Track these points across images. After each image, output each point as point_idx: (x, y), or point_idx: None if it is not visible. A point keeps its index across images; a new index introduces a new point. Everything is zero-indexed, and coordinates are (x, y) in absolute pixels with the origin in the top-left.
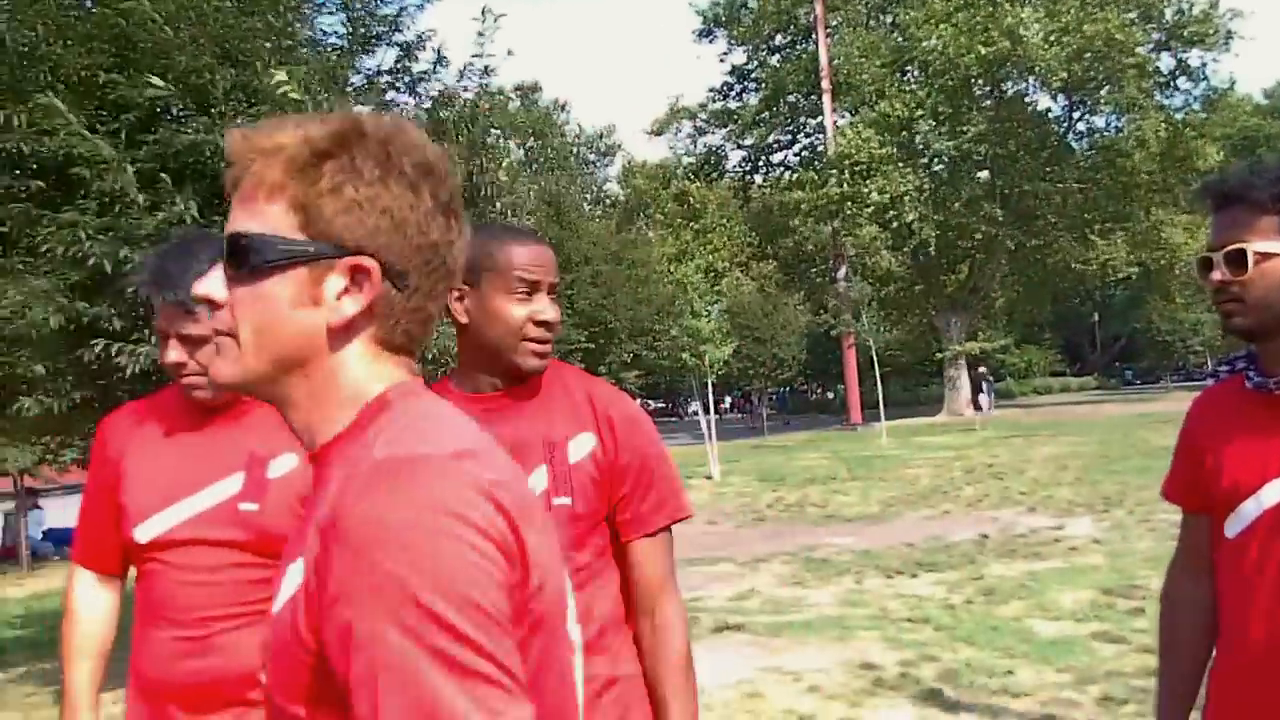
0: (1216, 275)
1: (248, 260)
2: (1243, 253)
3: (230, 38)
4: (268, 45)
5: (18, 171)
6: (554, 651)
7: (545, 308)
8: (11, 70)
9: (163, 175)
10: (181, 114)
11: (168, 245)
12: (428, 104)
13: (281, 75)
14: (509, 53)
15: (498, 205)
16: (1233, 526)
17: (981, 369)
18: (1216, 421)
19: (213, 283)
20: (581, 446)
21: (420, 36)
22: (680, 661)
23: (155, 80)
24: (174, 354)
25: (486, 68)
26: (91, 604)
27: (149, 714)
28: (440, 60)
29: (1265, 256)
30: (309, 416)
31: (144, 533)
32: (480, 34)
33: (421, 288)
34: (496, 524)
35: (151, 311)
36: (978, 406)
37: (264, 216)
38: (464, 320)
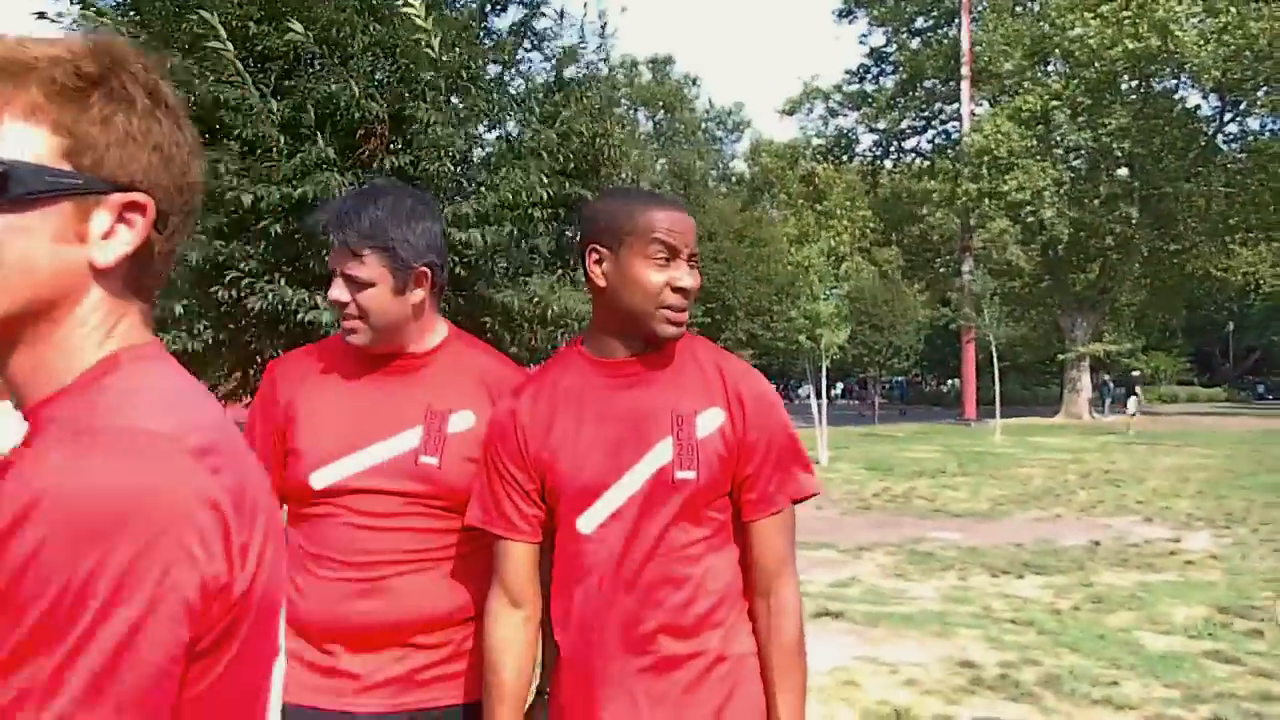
0: None
1: (6, 189)
2: None
3: None
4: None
5: None
6: (248, 658)
7: (684, 274)
8: (166, 19)
9: (302, 120)
10: (321, 66)
11: (354, 190)
12: (552, 62)
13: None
14: (622, 9)
15: (622, 172)
16: None
17: (1105, 376)
18: None
19: None
20: (710, 421)
21: None
22: (793, 645)
23: (295, 25)
24: (337, 291)
25: (604, 26)
26: None
27: (305, 651)
28: (561, 16)
29: None
30: (33, 365)
31: (320, 479)
32: None
33: (178, 231)
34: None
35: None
36: (1101, 410)
37: (19, 140)
38: (601, 284)
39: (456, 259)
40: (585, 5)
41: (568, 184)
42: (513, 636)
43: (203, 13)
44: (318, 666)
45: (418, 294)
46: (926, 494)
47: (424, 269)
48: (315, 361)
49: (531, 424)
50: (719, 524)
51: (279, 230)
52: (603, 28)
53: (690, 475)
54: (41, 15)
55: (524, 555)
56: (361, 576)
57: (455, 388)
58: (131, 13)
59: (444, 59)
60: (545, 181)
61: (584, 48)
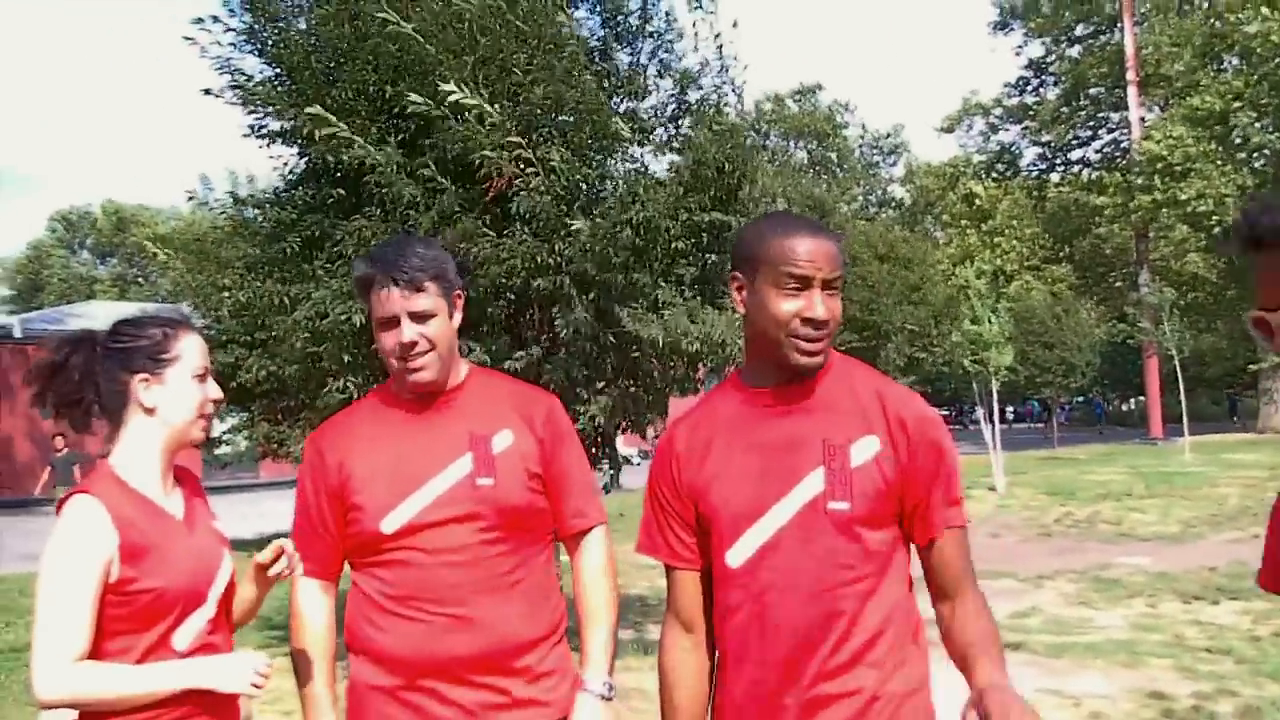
0: None
1: None
2: None
3: (485, 47)
4: (525, 49)
5: (322, 180)
6: None
7: (816, 304)
8: (316, 89)
9: (436, 176)
10: (450, 125)
11: (379, 245)
12: (674, 88)
13: (450, 86)
14: (734, 24)
15: (748, 198)
16: None
17: None
18: None
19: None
20: (866, 449)
21: (667, 21)
22: (990, 628)
23: (414, 96)
24: (408, 332)
25: (721, 48)
26: (317, 611)
27: (402, 691)
28: (678, 39)
29: None
30: None
31: (391, 523)
32: (698, 5)
33: None
34: None
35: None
36: None
37: None
38: (742, 311)
39: (596, 289)
40: (695, 26)
41: (706, 211)
42: (684, 660)
43: (311, 110)
44: (417, 706)
45: (457, 318)
46: (1111, 518)
47: (458, 292)
48: (355, 423)
49: (687, 452)
50: (880, 556)
51: None
52: (719, 49)
53: (844, 506)
54: (207, 92)
55: (689, 582)
56: (446, 612)
57: (490, 412)
58: (286, 83)
59: (568, 94)
60: (678, 209)
61: (705, 69)
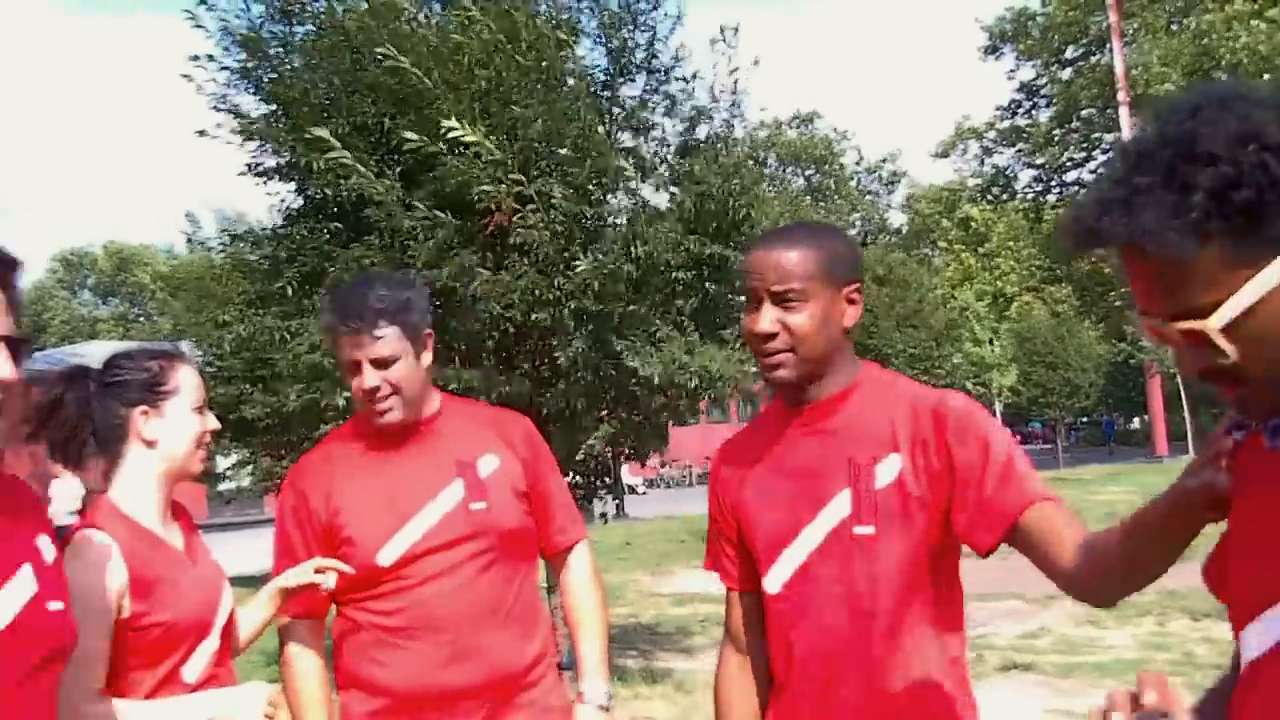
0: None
1: None
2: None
3: (485, 79)
4: (525, 84)
5: (320, 215)
6: None
7: (759, 318)
8: (313, 121)
9: (429, 208)
10: (447, 161)
11: (342, 287)
12: (683, 125)
13: (451, 122)
14: (755, 62)
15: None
16: None
17: None
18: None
19: None
20: (890, 469)
21: (676, 58)
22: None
23: (409, 135)
24: (369, 379)
25: (736, 83)
26: (308, 652)
27: None
28: (693, 77)
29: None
30: None
31: (387, 555)
32: (722, 39)
33: None
34: None
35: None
36: None
37: None
38: None
39: (595, 323)
40: (715, 66)
41: (707, 244)
42: (738, 682)
43: (315, 130)
44: None
45: (427, 357)
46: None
47: (428, 331)
48: (334, 460)
49: (729, 473)
50: (913, 579)
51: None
52: (734, 84)
53: (869, 530)
54: (202, 133)
55: (739, 602)
56: (444, 641)
57: (471, 438)
58: (283, 119)
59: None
60: (680, 243)
61: (716, 107)
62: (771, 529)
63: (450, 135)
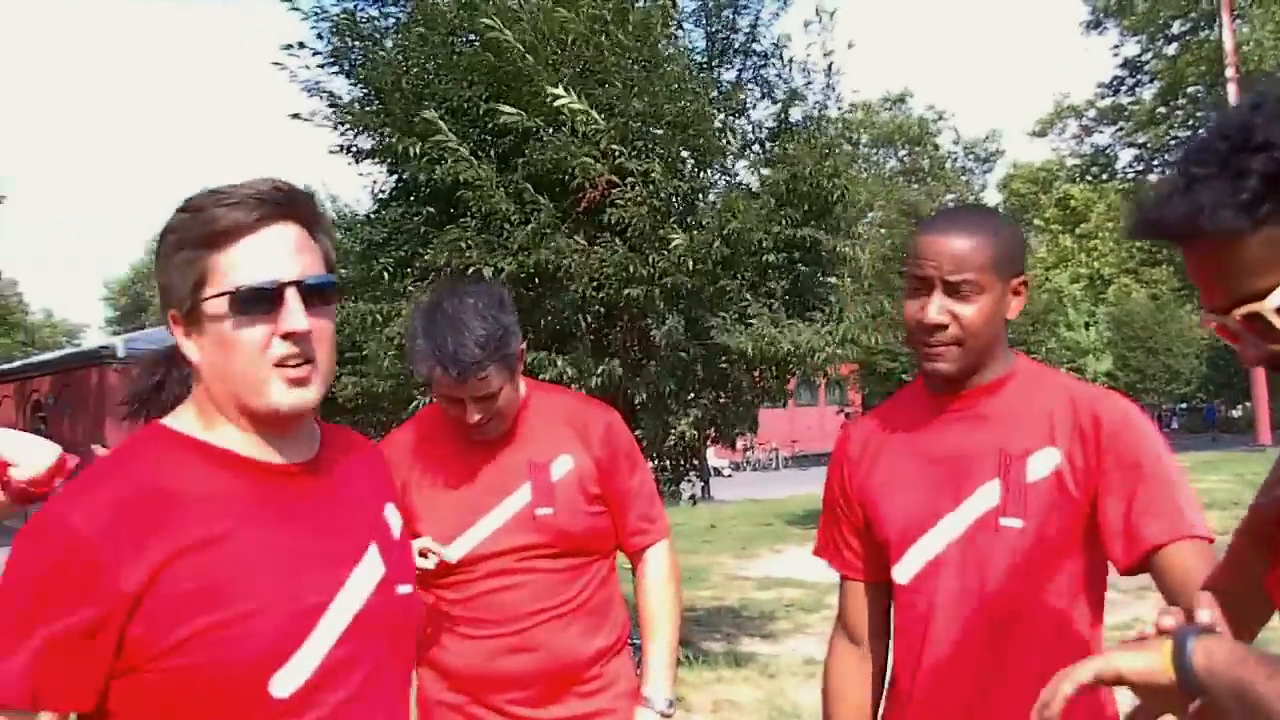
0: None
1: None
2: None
3: (588, 59)
4: (624, 64)
5: (412, 198)
6: None
7: (928, 308)
8: (406, 106)
9: (530, 189)
10: (546, 135)
11: (432, 323)
12: (777, 106)
13: (559, 90)
14: (849, 45)
15: (842, 215)
16: None
17: None
18: None
19: None
20: (1045, 463)
21: (776, 44)
22: None
23: (507, 109)
24: (474, 414)
25: (830, 65)
26: None
27: (469, 705)
28: (789, 62)
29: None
30: None
31: (454, 552)
32: (817, 20)
33: None
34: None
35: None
36: None
37: None
38: None
39: (688, 300)
40: (809, 48)
41: (799, 226)
42: (848, 674)
43: (425, 114)
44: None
45: (519, 372)
46: (1218, 527)
47: (522, 346)
48: (420, 442)
49: (858, 457)
50: (1060, 581)
51: (521, 297)
52: (829, 67)
53: (1016, 523)
54: (296, 116)
55: (857, 592)
56: (509, 631)
57: (547, 437)
58: (376, 103)
59: (666, 109)
60: (769, 222)
61: (810, 88)
62: (905, 517)
63: (557, 103)
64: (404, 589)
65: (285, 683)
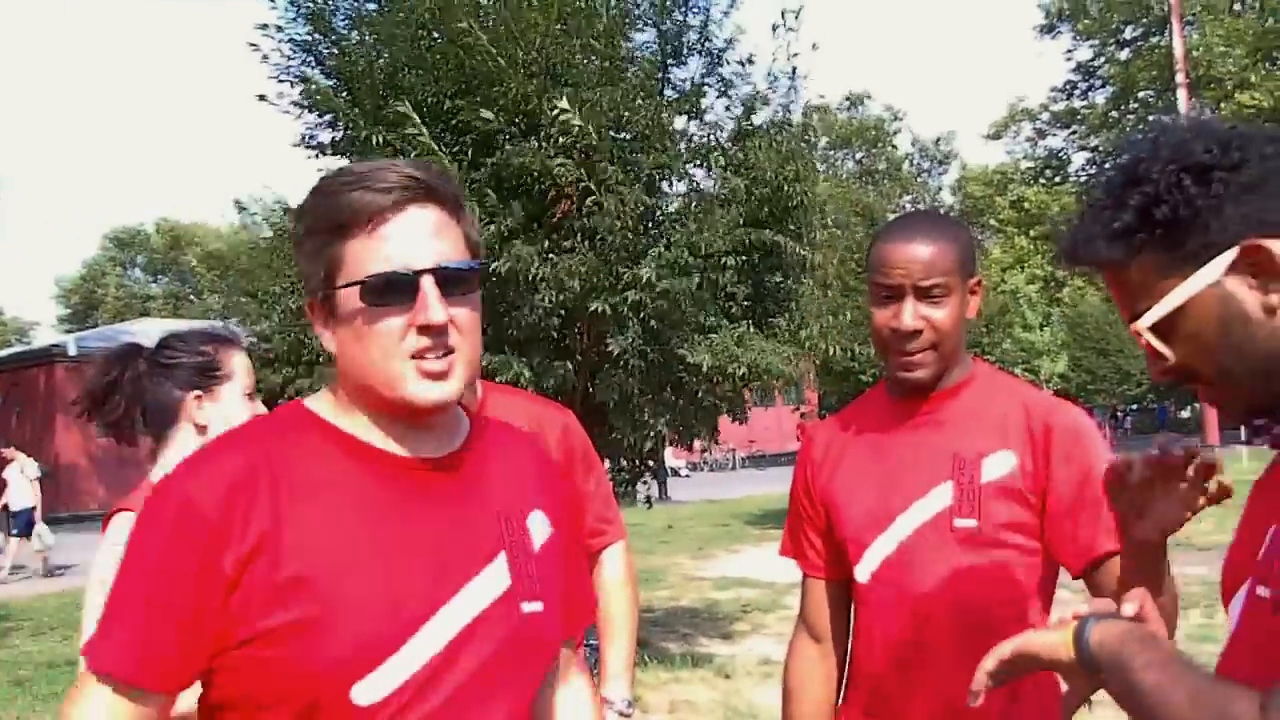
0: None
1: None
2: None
3: (556, 60)
4: (591, 65)
5: None
6: None
7: (902, 314)
8: (375, 95)
9: (489, 192)
10: (512, 138)
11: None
12: (739, 109)
13: (564, 104)
14: (814, 47)
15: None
16: None
17: None
18: None
19: None
20: (999, 465)
21: (728, 41)
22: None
23: (485, 113)
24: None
25: (794, 69)
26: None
27: None
28: (748, 61)
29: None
30: None
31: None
32: (783, 24)
33: None
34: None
35: None
36: None
37: None
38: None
39: (651, 315)
40: (774, 52)
41: (759, 230)
42: (809, 670)
43: (399, 107)
44: None
45: (477, 376)
46: None
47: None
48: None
49: (822, 459)
50: (1012, 579)
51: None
52: (793, 70)
53: (970, 523)
54: (262, 98)
55: (819, 590)
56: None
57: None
58: (345, 92)
59: (625, 115)
60: (733, 230)
61: (772, 92)
62: (863, 517)
63: (561, 117)
64: (532, 607)
65: (370, 691)
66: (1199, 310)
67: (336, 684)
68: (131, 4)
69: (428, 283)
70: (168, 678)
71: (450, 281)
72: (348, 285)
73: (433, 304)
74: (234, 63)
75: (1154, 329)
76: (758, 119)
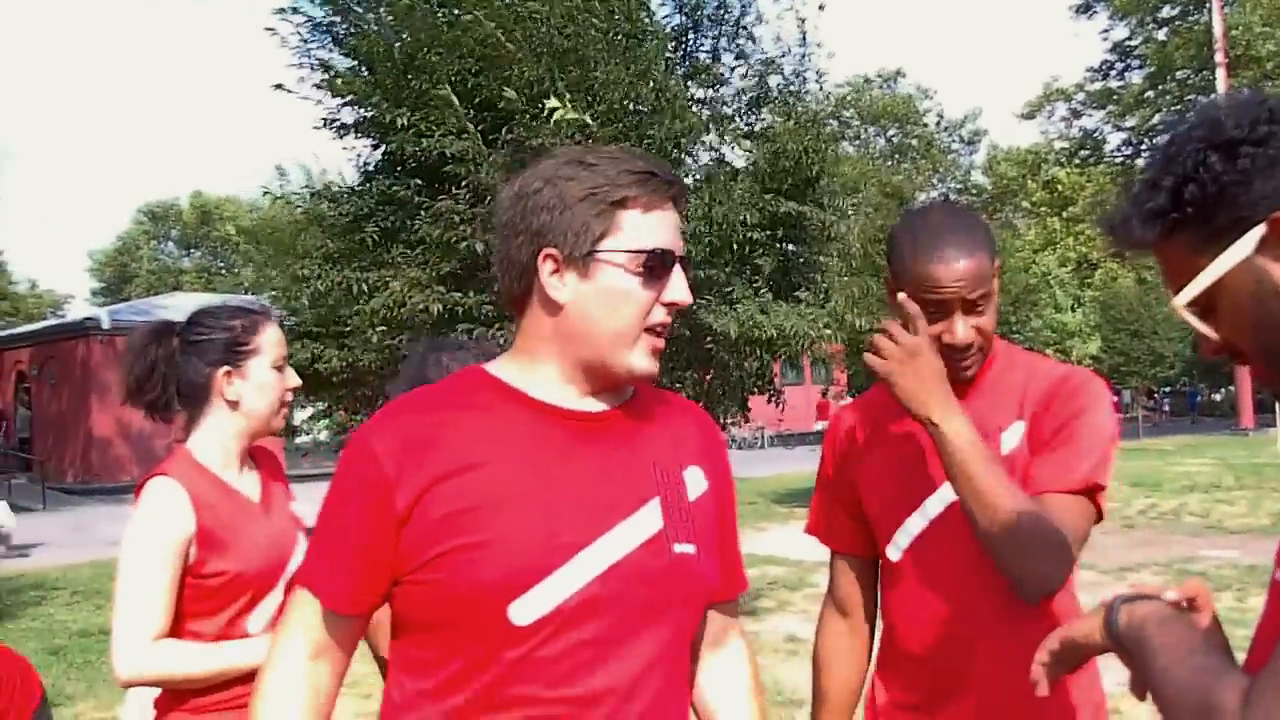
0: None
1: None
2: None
3: (564, 45)
4: (605, 44)
5: (399, 170)
6: None
7: (955, 329)
8: (396, 77)
9: (519, 165)
10: (530, 115)
11: (421, 356)
12: (754, 77)
13: (554, 103)
14: (820, 7)
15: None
16: None
17: None
18: None
19: None
20: (1013, 437)
21: (743, 8)
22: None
23: (509, 93)
24: None
25: (804, 35)
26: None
27: None
28: (752, 28)
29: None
30: None
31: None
32: None
33: None
34: None
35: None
36: None
37: None
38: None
39: None
40: (779, 17)
41: (783, 202)
42: (838, 646)
43: (438, 90)
44: None
45: None
46: (1198, 510)
47: None
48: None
49: (851, 438)
50: None
51: None
52: (803, 36)
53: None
54: (279, 87)
55: (846, 568)
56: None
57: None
58: (365, 73)
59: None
60: (752, 201)
61: (784, 59)
62: (895, 497)
63: (555, 116)
64: (684, 548)
65: (525, 611)
66: (1233, 287)
67: (493, 603)
68: None
69: (679, 268)
70: (350, 602)
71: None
72: (621, 251)
73: (682, 285)
74: (267, 37)
75: (1193, 307)
76: (771, 83)
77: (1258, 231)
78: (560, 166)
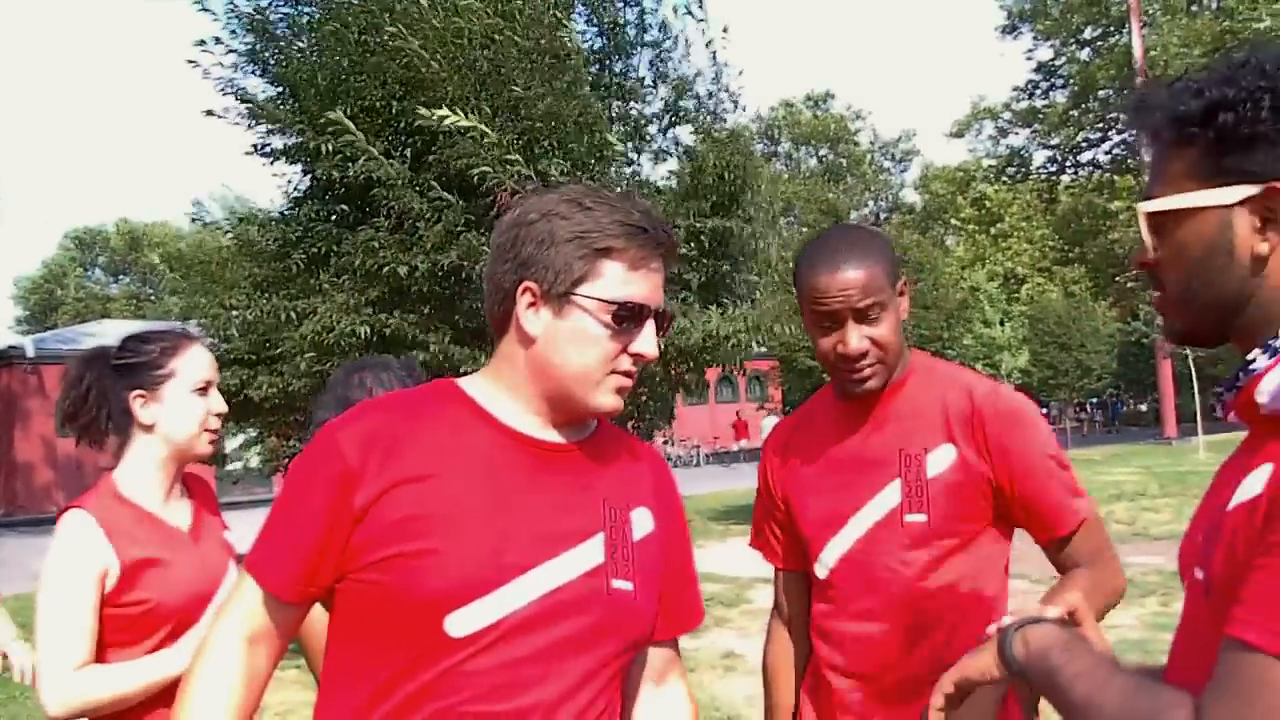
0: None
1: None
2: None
3: (487, 60)
4: (526, 64)
5: (327, 197)
6: None
7: (847, 339)
8: (320, 104)
9: (437, 187)
10: (453, 140)
11: (343, 376)
12: (671, 96)
13: (444, 111)
14: (724, 30)
15: (750, 204)
16: None
17: None
18: None
19: None
20: (942, 459)
21: (663, 31)
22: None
23: (423, 111)
24: None
25: (714, 54)
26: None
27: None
28: (664, 42)
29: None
30: None
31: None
32: (687, 12)
33: None
34: None
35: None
36: None
37: None
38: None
39: None
40: (684, 33)
41: (707, 218)
42: (785, 655)
43: (331, 114)
44: None
45: None
46: (1125, 518)
47: None
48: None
49: (782, 455)
50: (964, 568)
51: (436, 294)
52: (713, 55)
53: (920, 518)
54: (209, 113)
55: (787, 581)
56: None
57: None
58: (291, 101)
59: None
60: (678, 217)
61: (699, 77)
62: (820, 515)
63: (445, 122)
64: (622, 584)
65: (462, 623)
66: (1198, 223)
67: (433, 612)
68: (94, 3)
69: (650, 322)
70: (292, 590)
71: (659, 321)
72: (597, 298)
73: (651, 339)
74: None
75: (1152, 217)
76: (687, 104)
77: (1249, 189)
78: (559, 203)
